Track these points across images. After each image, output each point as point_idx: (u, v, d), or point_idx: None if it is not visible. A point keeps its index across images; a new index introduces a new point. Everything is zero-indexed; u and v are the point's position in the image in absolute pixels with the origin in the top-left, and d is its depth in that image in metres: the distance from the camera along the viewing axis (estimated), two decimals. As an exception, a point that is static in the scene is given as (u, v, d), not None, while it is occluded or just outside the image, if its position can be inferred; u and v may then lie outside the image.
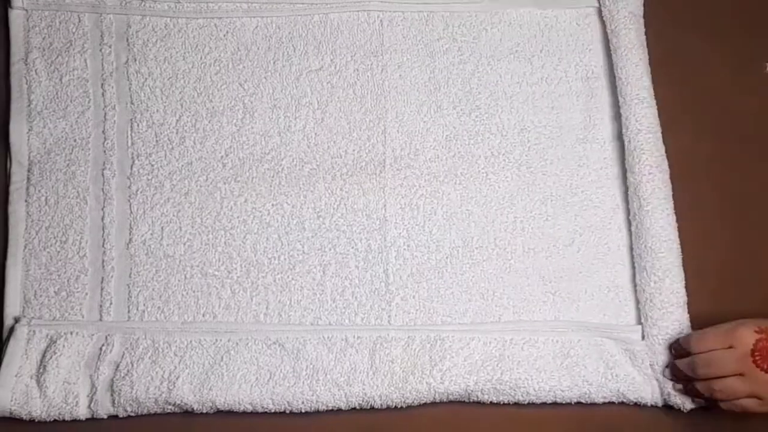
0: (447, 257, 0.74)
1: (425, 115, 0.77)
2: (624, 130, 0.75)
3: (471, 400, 0.71)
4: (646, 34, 0.79)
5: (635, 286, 0.74)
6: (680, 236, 0.74)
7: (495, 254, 0.75)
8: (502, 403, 0.71)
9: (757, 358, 0.65)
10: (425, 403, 0.71)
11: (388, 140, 0.77)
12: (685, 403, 0.71)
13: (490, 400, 0.71)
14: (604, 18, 0.78)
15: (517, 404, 0.71)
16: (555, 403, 0.71)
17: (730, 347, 0.66)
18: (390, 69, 0.78)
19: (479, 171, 0.76)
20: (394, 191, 0.75)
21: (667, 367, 0.71)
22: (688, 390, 0.70)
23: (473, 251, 0.74)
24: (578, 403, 0.71)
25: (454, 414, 0.71)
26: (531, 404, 0.71)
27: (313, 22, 0.79)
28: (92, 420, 0.70)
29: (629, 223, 0.75)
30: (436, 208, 0.75)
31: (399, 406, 0.70)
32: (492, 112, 0.77)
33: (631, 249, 0.74)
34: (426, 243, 0.74)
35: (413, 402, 0.70)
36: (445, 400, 0.70)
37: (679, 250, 0.73)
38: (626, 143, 0.75)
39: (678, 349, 0.70)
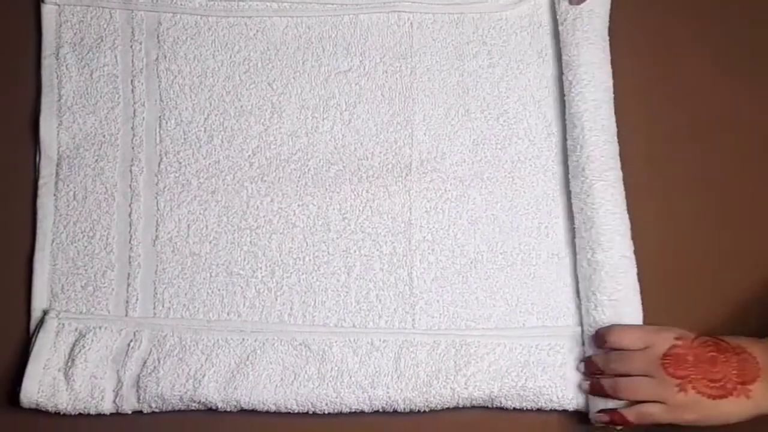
0: (471, 262, 0.74)
1: (453, 119, 0.77)
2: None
3: (494, 406, 0.71)
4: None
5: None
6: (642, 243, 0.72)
7: (519, 259, 0.74)
8: (525, 409, 0.71)
9: (666, 361, 0.64)
10: (448, 408, 0.71)
11: (415, 143, 0.77)
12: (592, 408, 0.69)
13: (513, 406, 0.71)
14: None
15: (539, 410, 0.71)
16: (577, 411, 0.71)
17: (646, 348, 0.66)
18: (419, 72, 0.78)
19: (505, 176, 0.76)
20: (419, 194, 0.75)
21: (582, 361, 0.70)
22: (594, 386, 0.69)
23: (497, 256, 0.74)
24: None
25: (477, 419, 0.72)
26: (554, 411, 0.71)
27: (343, 23, 0.78)
28: (116, 415, 0.70)
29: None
30: (461, 212, 0.75)
31: (422, 410, 0.71)
32: (520, 117, 0.77)
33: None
34: (451, 247, 0.74)
35: (436, 406, 0.70)
36: (468, 405, 0.70)
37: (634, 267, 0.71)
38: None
39: (597, 340, 0.69)
